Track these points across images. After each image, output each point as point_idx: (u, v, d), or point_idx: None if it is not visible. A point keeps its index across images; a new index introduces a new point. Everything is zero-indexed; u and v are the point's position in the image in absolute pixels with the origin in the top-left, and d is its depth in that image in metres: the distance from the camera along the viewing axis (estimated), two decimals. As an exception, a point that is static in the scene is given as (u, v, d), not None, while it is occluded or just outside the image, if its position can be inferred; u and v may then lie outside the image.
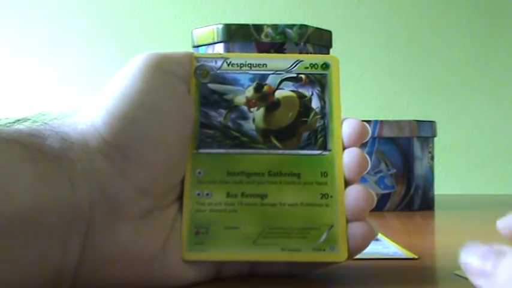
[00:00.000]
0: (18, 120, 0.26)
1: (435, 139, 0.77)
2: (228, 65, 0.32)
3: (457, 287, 0.29)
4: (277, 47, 0.62)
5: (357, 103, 1.39)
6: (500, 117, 1.41)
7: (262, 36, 0.61)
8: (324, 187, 0.30)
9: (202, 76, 0.31)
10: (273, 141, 0.31)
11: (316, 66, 0.32)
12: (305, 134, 0.31)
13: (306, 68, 0.32)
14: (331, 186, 0.30)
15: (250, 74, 0.32)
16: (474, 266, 0.23)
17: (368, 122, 0.69)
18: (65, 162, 0.25)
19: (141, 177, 0.27)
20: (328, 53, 0.66)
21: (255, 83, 0.32)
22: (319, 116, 0.32)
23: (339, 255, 0.29)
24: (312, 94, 0.32)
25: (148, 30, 1.47)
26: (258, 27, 0.62)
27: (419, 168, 0.72)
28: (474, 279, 0.23)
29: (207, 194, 0.30)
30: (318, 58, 0.33)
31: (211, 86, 0.31)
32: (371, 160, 0.70)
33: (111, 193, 0.26)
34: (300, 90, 0.32)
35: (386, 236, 0.46)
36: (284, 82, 0.32)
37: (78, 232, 0.25)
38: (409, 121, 0.71)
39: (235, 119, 0.31)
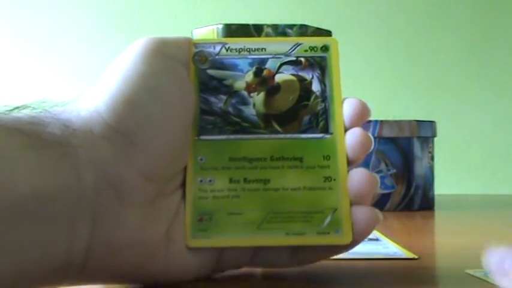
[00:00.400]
0: (17, 107, 0.26)
1: (435, 139, 0.77)
2: (227, 50, 0.32)
3: (457, 287, 0.29)
4: (277, 47, 0.62)
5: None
6: (500, 117, 1.41)
7: (262, 36, 0.61)
8: (326, 170, 0.30)
9: (201, 62, 0.31)
10: (274, 125, 0.31)
11: (315, 48, 0.32)
12: (306, 118, 0.31)
13: (306, 50, 0.32)
14: (333, 169, 0.30)
15: (249, 58, 0.32)
16: (498, 265, 0.23)
17: (368, 122, 0.69)
18: (67, 149, 0.24)
19: (146, 163, 0.26)
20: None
21: (254, 68, 0.31)
22: (320, 99, 0.31)
23: (344, 238, 0.29)
24: (312, 77, 0.32)
25: (149, 30, 1.47)
26: (258, 27, 0.62)
27: (419, 168, 0.72)
28: (498, 279, 0.23)
29: (210, 181, 0.29)
30: (317, 40, 0.32)
31: (210, 72, 0.31)
32: (371, 160, 0.70)
33: (116, 179, 0.25)
34: (300, 73, 0.32)
35: (386, 236, 0.46)
36: (284, 66, 0.32)
37: (84, 219, 0.24)
38: (409, 121, 0.71)
39: (236, 104, 0.31)
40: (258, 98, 0.31)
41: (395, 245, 0.41)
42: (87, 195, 0.24)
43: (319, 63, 0.32)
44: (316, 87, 0.31)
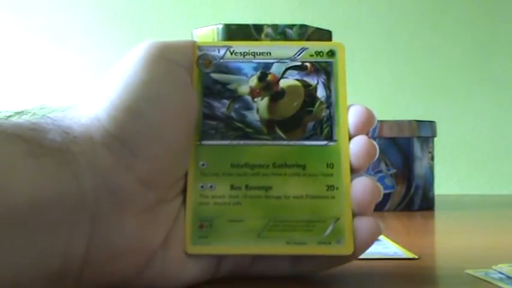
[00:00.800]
0: (18, 113, 0.26)
1: (435, 139, 0.77)
2: (231, 53, 0.31)
3: (457, 287, 0.29)
4: (277, 47, 0.62)
5: (357, 103, 1.38)
6: (500, 117, 1.41)
7: (262, 36, 0.61)
8: (329, 179, 0.29)
9: (204, 66, 0.31)
10: (277, 131, 0.30)
11: (321, 53, 0.31)
12: (310, 124, 0.30)
13: (311, 55, 0.31)
14: (337, 177, 0.29)
15: (253, 62, 0.31)
16: None
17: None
18: (67, 155, 0.24)
19: (146, 170, 0.26)
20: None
21: (258, 72, 0.31)
22: (324, 106, 0.31)
23: (345, 249, 0.28)
24: (318, 83, 0.31)
25: (148, 30, 1.47)
26: (258, 27, 0.62)
27: (419, 168, 0.72)
28: None
29: (211, 187, 0.29)
30: (324, 45, 0.32)
31: (214, 75, 0.31)
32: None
33: (115, 186, 0.25)
34: (305, 78, 0.31)
35: (387, 236, 0.46)
36: (289, 71, 0.31)
37: (83, 226, 0.24)
38: (409, 121, 0.71)
39: (239, 109, 0.30)
40: (262, 103, 0.31)
41: (395, 245, 0.41)
42: (86, 202, 0.24)
43: (325, 68, 0.31)
44: (321, 93, 0.31)
